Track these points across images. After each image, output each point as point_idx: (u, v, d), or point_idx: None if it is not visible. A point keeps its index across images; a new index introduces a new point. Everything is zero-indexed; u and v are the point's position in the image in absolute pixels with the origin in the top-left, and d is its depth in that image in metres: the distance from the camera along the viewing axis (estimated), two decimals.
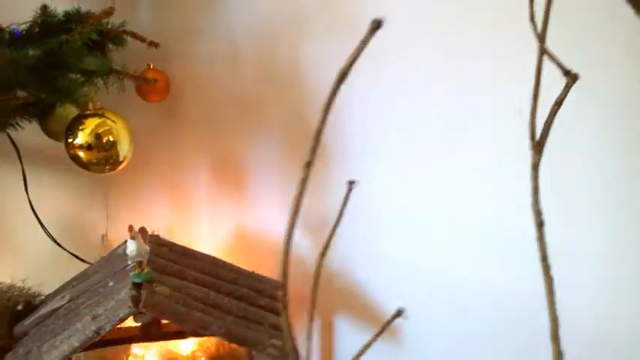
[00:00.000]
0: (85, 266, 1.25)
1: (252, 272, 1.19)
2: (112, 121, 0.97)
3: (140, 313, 0.93)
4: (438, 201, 1.16)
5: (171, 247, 1.12)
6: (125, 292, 0.96)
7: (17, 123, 1.06)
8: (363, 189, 1.20)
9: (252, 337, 1.01)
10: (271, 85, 1.21)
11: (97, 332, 0.93)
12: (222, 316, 1.02)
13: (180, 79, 1.21)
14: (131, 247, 0.94)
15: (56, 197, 1.28)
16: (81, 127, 0.96)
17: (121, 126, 0.98)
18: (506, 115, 0.98)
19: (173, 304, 0.97)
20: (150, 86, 1.10)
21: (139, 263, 0.98)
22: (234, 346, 1.32)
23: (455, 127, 1.10)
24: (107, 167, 0.99)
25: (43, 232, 1.25)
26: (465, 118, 1.08)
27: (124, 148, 0.98)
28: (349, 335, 1.28)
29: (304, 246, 1.28)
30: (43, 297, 1.19)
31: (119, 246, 1.17)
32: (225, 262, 1.17)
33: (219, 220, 1.31)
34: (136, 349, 1.30)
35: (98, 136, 0.96)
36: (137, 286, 0.97)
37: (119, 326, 0.98)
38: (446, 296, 1.18)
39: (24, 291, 1.18)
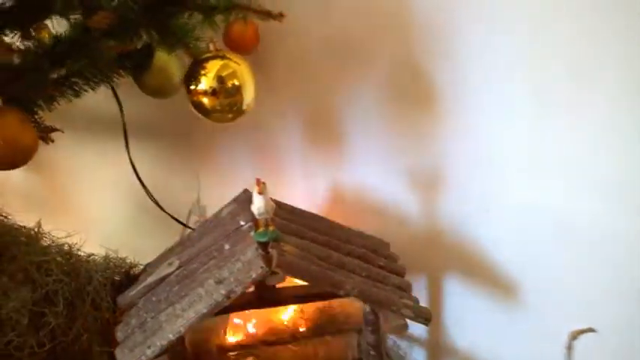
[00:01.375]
0: (178, 231, 1.18)
1: (362, 232, 1.11)
2: (236, 62, 0.88)
3: (273, 273, 0.86)
4: (556, 149, 1.07)
5: (280, 205, 1.04)
6: (252, 253, 0.88)
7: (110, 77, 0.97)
8: (476, 143, 1.11)
9: (385, 297, 0.94)
10: (372, 27, 1.11)
11: (228, 296, 0.86)
12: (350, 276, 0.94)
13: (267, 26, 1.11)
14: (259, 203, 0.86)
15: (146, 162, 1.20)
16: (203, 72, 0.87)
17: (245, 69, 0.89)
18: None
19: (306, 264, 0.89)
20: (242, 36, 1.01)
21: (265, 221, 0.89)
22: (333, 312, 1.25)
23: (579, 76, 1.00)
24: (230, 115, 0.90)
25: (123, 201, 1.17)
26: (589, 68, 0.98)
27: (249, 95, 0.89)
28: (459, 295, 1.20)
29: (409, 204, 1.20)
30: (141, 266, 1.12)
31: (223, 208, 1.09)
32: (335, 222, 1.09)
33: (313, 179, 1.23)
34: (236, 319, 1.23)
35: (222, 80, 0.87)
36: (263, 246, 0.89)
37: None
38: (563, 250, 1.09)
39: (120, 261, 1.10)
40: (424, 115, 1.13)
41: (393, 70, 1.13)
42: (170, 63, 0.99)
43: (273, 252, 0.87)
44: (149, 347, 0.87)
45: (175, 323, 0.88)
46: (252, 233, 0.93)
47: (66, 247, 1.11)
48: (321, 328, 1.23)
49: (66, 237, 1.09)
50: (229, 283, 0.87)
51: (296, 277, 0.89)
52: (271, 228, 0.90)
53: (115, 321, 1.02)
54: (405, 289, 1.00)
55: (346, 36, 1.13)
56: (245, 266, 0.87)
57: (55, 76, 0.92)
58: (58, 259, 1.03)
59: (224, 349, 1.19)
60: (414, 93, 1.13)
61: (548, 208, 1.09)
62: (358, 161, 1.20)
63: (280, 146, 1.25)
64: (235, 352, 1.21)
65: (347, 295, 0.91)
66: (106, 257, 1.09)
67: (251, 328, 1.24)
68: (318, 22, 1.11)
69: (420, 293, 1.23)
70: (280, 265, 0.85)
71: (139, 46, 0.96)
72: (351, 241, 1.05)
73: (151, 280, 1.02)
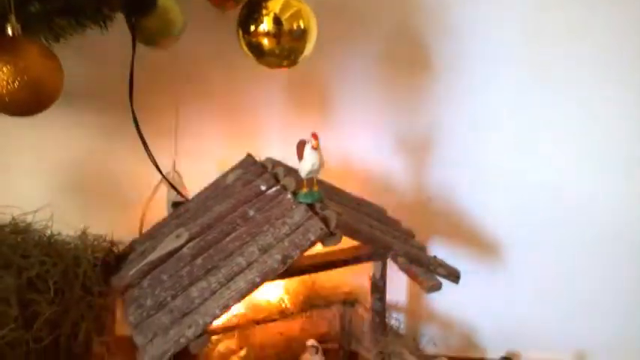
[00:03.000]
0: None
1: (362, 198, 1.08)
2: (298, 1, 0.79)
3: (332, 234, 0.79)
4: (549, 118, 1.13)
5: (287, 168, 0.97)
6: (302, 216, 0.81)
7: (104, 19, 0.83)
8: (468, 112, 1.13)
9: (425, 256, 0.92)
10: None
11: (284, 262, 0.78)
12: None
13: None
14: (313, 159, 0.80)
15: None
16: (265, 12, 0.76)
17: (309, 11, 0.80)
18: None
19: (358, 224, 0.84)
20: None
21: (310, 181, 0.83)
22: (316, 287, 1.20)
23: (571, 47, 1.07)
24: (285, 62, 0.80)
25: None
26: (579, 38, 1.06)
27: (311, 42, 0.80)
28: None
29: (397, 171, 1.18)
30: (122, 244, 0.97)
31: (226, 175, 0.99)
32: (339, 188, 1.04)
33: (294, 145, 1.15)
34: None
35: (286, 21, 0.77)
36: (310, 207, 0.82)
37: None
38: (548, 214, 1.16)
39: (99, 239, 0.94)
40: (417, 82, 1.13)
41: (389, 36, 1.11)
42: (174, 8, 0.87)
43: (328, 213, 0.80)
44: (189, 327, 0.76)
45: (220, 297, 0.77)
46: (289, 196, 0.85)
47: (22, 225, 0.92)
48: (307, 303, 1.17)
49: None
50: (284, 248, 0.78)
51: (352, 237, 0.83)
52: (316, 189, 0.84)
53: (108, 306, 0.87)
54: (423, 250, 0.99)
55: None
56: (298, 229, 0.80)
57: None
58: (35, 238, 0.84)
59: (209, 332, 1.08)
60: (408, 61, 1.12)
61: (538, 174, 1.15)
62: (344, 126, 1.15)
63: (259, 108, 1.16)
64: (220, 335, 1.10)
65: (394, 256, 0.87)
66: (83, 235, 0.92)
67: (236, 308, 1.14)
68: None
69: None
70: (339, 226, 0.79)
71: None
72: (361, 205, 1.02)
73: (153, 256, 0.89)
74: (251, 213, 0.87)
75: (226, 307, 0.76)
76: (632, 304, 1.21)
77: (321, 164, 0.81)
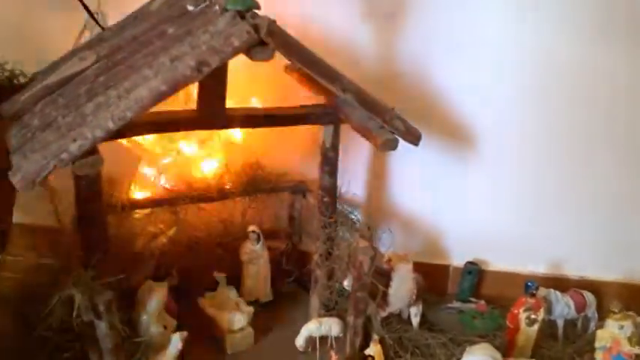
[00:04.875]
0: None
1: None
2: None
3: (262, 43, 0.64)
4: None
5: None
6: (227, 22, 0.66)
7: None
8: None
9: (381, 103, 0.77)
10: None
11: (198, 69, 0.62)
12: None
13: None
14: None
15: None
16: None
17: None
18: None
19: (298, 42, 0.69)
20: None
21: None
22: (264, 170, 1.05)
23: None
24: None
25: None
26: None
27: None
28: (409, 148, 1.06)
29: (364, 41, 1.03)
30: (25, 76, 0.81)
31: (150, 3, 0.83)
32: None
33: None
34: (147, 169, 0.97)
35: None
36: (240, 15, 0.67)
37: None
38: (533, 95, 1.02)
39: None
40: None
41: None
42: None
43: (260, 20, 0.65)
44: (74, 140, 0.61)
45: (116, 108, 0.62)
46: (216, 7, 0.69)
47: None
48: (252, 185, 1.03)
49: None
50: (200, 54, 0.63)
51: (290, 54, 0.68)
52: None
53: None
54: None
55: None
56: (220, 35, 0.64)
57: None
58: None
59: (131, 206, 0.94)
60: None
61: (523, 44, 1.00)
62: None
63: None
64: (147, 210, 0.96)
65: (343, 91, 0.72)
66: None
67: (165, 182, 0.99)
68: None
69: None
70: (272, 34, 0.64)
71: None
72: None
73: (51, 80, 0.73)
74: (170, 30, 0.72)
75: (122, 119, 0.61)
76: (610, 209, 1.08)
77: None
